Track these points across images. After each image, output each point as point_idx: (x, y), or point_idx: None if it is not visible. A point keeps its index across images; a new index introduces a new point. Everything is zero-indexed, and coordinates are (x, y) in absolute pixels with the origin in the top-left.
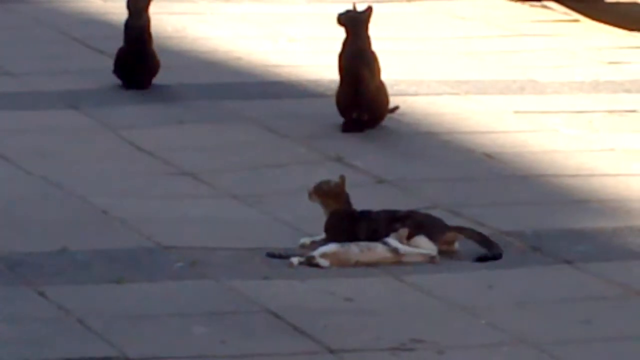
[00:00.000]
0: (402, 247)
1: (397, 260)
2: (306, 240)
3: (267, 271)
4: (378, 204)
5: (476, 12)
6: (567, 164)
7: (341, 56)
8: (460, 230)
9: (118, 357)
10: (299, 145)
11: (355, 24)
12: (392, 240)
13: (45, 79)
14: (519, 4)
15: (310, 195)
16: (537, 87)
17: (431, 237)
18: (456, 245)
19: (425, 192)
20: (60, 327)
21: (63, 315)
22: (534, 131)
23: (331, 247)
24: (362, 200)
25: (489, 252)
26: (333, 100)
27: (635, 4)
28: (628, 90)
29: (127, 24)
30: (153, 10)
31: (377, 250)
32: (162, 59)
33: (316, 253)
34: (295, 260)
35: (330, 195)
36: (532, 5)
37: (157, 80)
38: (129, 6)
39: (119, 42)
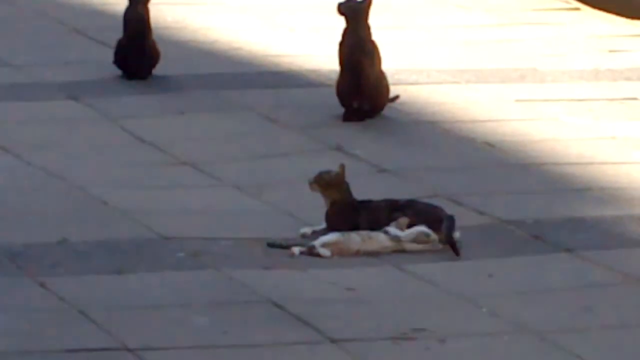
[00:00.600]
0: (404, 235)
1: (399, 249)
2: (307, 229)
3: (268, 261)
4: (379, 193)
5: (476, 1)
6: (568, 152)
7: (341, 46)
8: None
9: (118, 348)
10: (300, 135)
11: (355, 13)
12: (393, 229)
13: (45, 69)
14: None
15: (310, 185)
16: (537, 76)
17: (431, 226)
18: (457, 234)
19: (425, 181)
20: (61, 318)
21: (64, 306)
22: (535, 120)
23: (332, 237)
24: (363, 189)
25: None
26: (333, 90)
27: None
28: (628, 78)
29: (127, 15)
30: (153, 0)
31: (379, 239)
32: (162, 49)
33: (317, 242)
34: (296, 249)
35: (331, 184)
36: None
37: (157, 70)
38: None
39: (119, 33)
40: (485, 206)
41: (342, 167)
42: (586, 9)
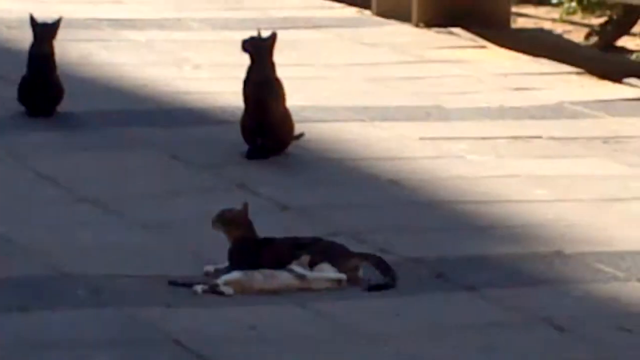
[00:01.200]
0: (309, 273)
1: (303, 287)
2: (210, 268)
3: (170, 299)
4: (282, 231)
5: (382, 39)
6: (472, 190)
7: (246, 83)
8: (364, 257)
9: None
10: (204, 173)
11: (259, 50)
12: (297, 267)
13: None
14: (425, 30)
15: (213, 223)
16: (442, 113)
17: (335, 264)
18: (360, 272)
19: (329, 218)
20: None
21: None
22: (439, 157)
23: (235, 275)
24: (267, 227)
25: (382, 280)
26: (238, 127)
27: (540, 29)
28: (533, 117)
29: (31, 51)
30: (58, 37)
31: (282, 278)
32: (66, 86)
33: (220, 281)
34: (199, 288)
35: (234, 223)
36: (438, 32)
37: (61, 107)
38: (34, 34)
39: (23, 70)
40: (388, 244)
41: (246, 205)
42: (492, 47)
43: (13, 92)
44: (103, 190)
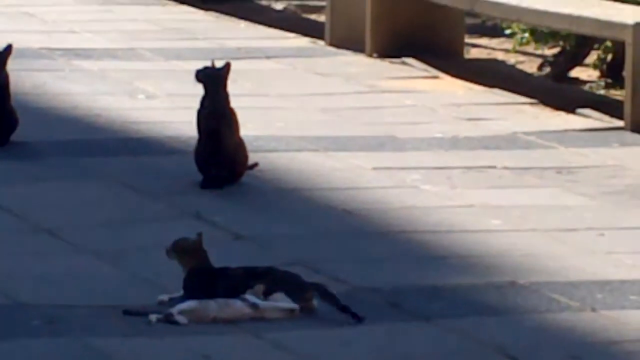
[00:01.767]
0: (262, 303)
1: (257, 316)
2: (164, 297)
3: (125, 329)
4: (237, 261)
5: (335, 69)
6: (426, 219)
7: (200, 113)
8: (316, 287)
9: None
10: (158, 202)
11: (213, 80)
12: (250, 296)
13: None
14: (378, 60)
15: (167, 252)
16: (396, 144)
17: (290, 294)
18: (315, 302)
19: (284, 248)
20: None
21: None
22: (393, 187)
23: (189, 304)
24: (221, 256)
25: (349, 312)
26: (192, 157)
27: (493, 60)
28: (486, 147)
29: None
30: (12, 67)
31: (236, 307)
32: (20, 115)
33: (174, 310)
34: (153, 317)
35: (188, 252)
36: (391, 62)
37: (14, 137)
38: None
39: None
40: (342, 273)
41: (200, 234)
42: (445, 77)
43: None
44: (58, 219)
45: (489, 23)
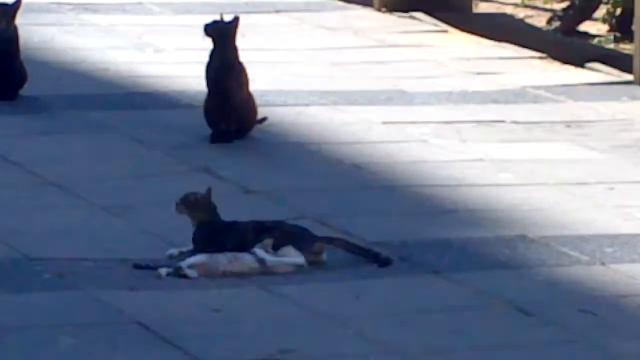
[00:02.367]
0: (269, 258)
1: (265, 271)
2: (174, 251)
3: (134, 282)
4: (246, 215)
5: (344, 23)
6: (436, 174)
7: (208, 67)
8: (328, 240)
9: None
10: (167, 156)
11: (222, 34)
12: (259, 251)
13: None
14: (387, 14)
15: (177, 206)
16: (405, 98)
17: (299, 247)
18: (324, 255)
19: (293, 202)
20: None
21: None
22: (403, 142)
23: (199, 258)
24: (230, 210)
25: (374, 258)
26: (201, 111)
27: (502, 14)
28: (495, 101)
29: None
30: (21, 21)
31: (245, 261)
32: (29, 70)
33: (184, 264)
34: (163, 271)
35: (197, 206)
36: (400, 16)
37: (24, 91)
38: None
39: None
40: (352, 227)
41: (209, 188)
42: (454, 32)
43: None
44: (67, 173)
45: None
